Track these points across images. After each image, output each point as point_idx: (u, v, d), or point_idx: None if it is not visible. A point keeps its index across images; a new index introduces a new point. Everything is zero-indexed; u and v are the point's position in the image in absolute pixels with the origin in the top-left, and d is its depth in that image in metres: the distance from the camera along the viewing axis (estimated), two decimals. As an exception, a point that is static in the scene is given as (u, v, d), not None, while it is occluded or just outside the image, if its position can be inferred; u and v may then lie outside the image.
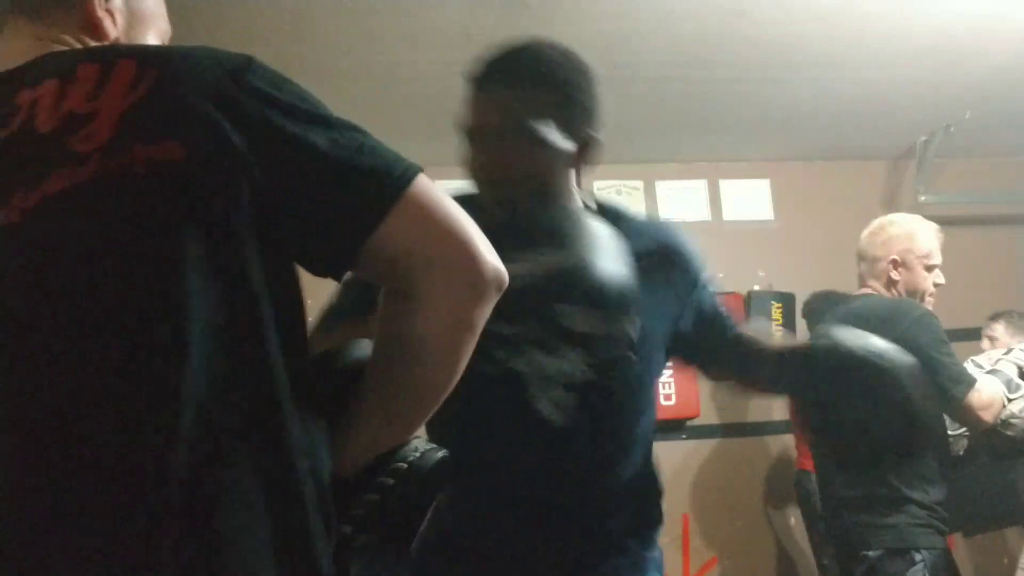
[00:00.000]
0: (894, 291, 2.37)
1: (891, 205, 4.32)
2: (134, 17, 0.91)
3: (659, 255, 1.30)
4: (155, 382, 0.69)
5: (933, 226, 2.46)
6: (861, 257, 2.45)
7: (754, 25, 2.91)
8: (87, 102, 0.72)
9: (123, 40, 0.89)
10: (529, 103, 1.18)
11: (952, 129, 3.86)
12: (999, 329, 3.41)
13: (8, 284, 0.71)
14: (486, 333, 0.93)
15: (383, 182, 0.78)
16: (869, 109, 3.70)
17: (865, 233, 2.47)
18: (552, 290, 1.07)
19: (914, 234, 2.41)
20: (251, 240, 0.73)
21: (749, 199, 4.26)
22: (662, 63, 3.15)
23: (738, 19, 2.86)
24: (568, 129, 1.21)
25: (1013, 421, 2.24)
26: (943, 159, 4.09)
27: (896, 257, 2.38)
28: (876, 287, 2.39)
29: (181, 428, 0.68)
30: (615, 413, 1.23)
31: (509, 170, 1.19)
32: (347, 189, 0.76)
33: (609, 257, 1.09)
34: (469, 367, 0.89)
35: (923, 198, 4.12)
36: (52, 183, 0.69)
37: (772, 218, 4.27)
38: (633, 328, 1.14)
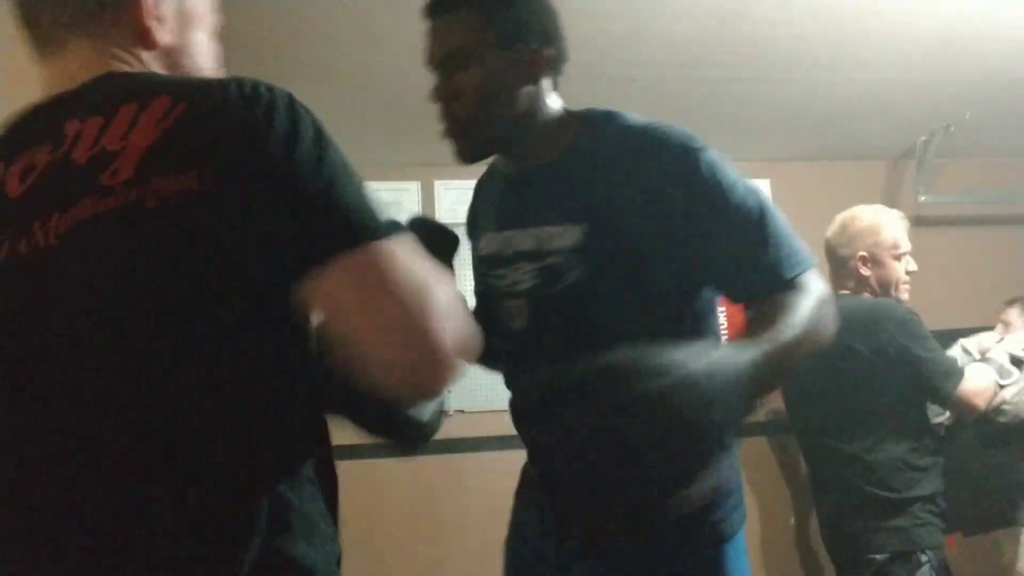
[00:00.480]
0: (868, 287, 2.36)
1: (891, 205, 4.26)
2: (185, 17, 0.94)
3: (631, 163, 1.24)
4: (175, 396, 0.73)
5: (897, 214, 2.46)
6: (829, 256, 2.45)
7: (754, 25, 2.91)
8: (120, 139, 0.76)
9: (177, 42, 0.93)
10: (461, 27, 1.26)
11: (952, 129, 3.86)
12: (1013, 314, 3.37)
13: (45, 303, 0.76)
14: (478, 257, 1.36)
15: (352, 226, 0.77)
16: (869, 109, 3.70)
17: (830, 232, 2.46)
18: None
19: (878, 226, 2.41)
20: (256, 264, 0.75)
21: (749, 199, 4.26)
22: (662, 63, 3.15)
23: (738, 19, 2.86)
24: (508, 45, 1.26)
25: (1005, 408, 2.25)
26: (943, 159, 4.09)
27: (864, 253, 2.38)
28: (849, 285, 2.39)
29: (209, 438, 0.74)
30: (563, 316, 1.26)
31: (458, 94, 1.27)
32: (316, 222, 0.76)
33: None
34: (476, 295, 1.37)
35: (923, 198, 4.12)
36: (79, 211, 0.75)
37: (772, 218, 4.26)
38: (573, 235, 1.23)
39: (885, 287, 2.36)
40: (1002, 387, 2.27)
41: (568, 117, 1.32)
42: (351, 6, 2.65)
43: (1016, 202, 4.26)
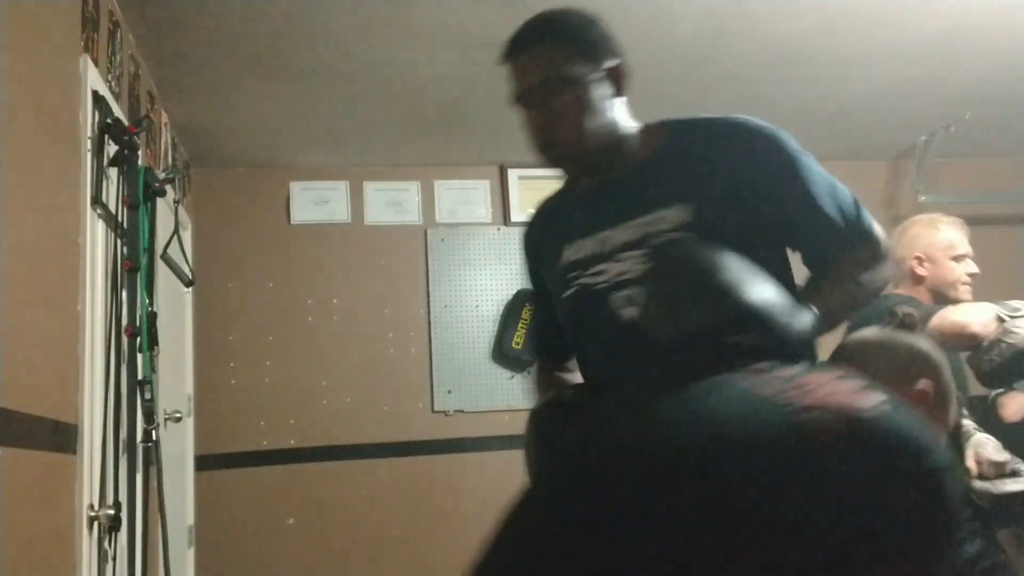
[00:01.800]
0: (924, 286, 2.38)
1: (891, 205, 4.32)
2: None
3: (707, 148, 1.41)
4: None
5: (955, 220, 2.47)
6: None
7: (755, 25, 2.91)
8: None
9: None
10: (553, 56, 1.37)
11: (952, 129, 3.87)
12: None
13: None
14: (566, 264, 1.41)
15: None
16: (869, 109, 3.70)
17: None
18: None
19: (934, 228, 2.43)
20: None
21: (749, 199, 4.26)
22: (662, 63, 3.15)
23: (739, 19, 2.87)
24: (595, 65, 1.40)
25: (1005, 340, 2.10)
26: (943, 159, 4.10)
27: (920, 254, 2.40)
28: (904, 285, 2.40)
29: None
30: (681, 282, 1.29)
31: (561, 116, 1.36)
32: None
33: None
34: (564, 301, 1.40)
35: (923, 198, 4.12)
36: None
37: (772, 218, 4.26)
38: (682, 214, 1.34)
39: (942, 287, 2.37)
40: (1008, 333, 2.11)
41: (647, 125, 1.47)
42: (351, 5, 2.66)
43: (1016, 202, 4.26)
